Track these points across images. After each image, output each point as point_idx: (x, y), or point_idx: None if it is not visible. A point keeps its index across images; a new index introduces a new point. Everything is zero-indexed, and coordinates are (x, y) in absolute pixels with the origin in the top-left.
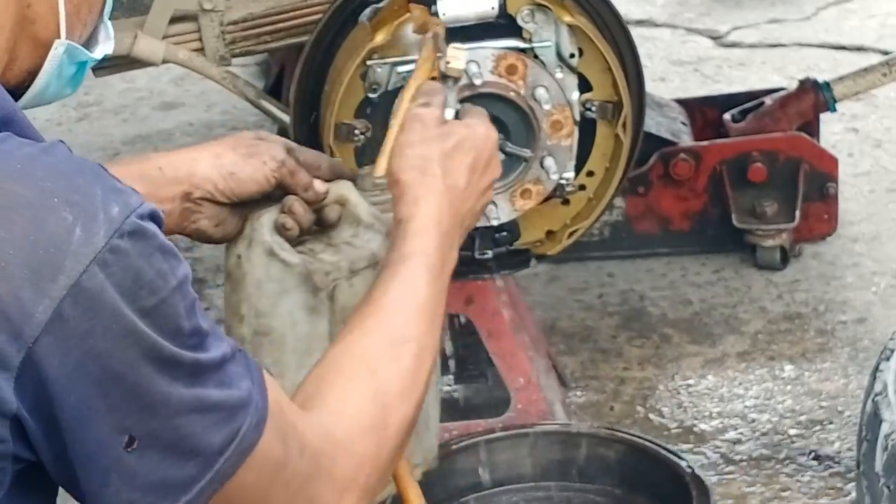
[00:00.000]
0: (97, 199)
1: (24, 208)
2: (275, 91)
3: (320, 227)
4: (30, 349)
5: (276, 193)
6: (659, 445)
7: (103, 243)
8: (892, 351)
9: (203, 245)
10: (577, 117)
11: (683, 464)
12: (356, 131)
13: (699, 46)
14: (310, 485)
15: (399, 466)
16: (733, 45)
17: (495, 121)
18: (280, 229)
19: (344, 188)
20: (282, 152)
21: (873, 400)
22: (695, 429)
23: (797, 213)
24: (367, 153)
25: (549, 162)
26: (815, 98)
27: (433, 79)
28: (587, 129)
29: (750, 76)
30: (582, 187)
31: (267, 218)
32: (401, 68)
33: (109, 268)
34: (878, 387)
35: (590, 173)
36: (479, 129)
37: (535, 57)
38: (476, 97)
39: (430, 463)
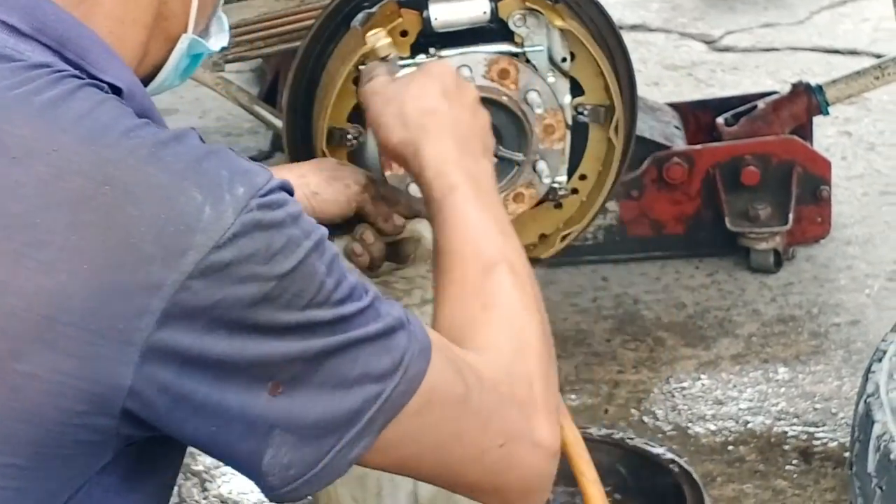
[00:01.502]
0: (223, 180)
1: (156, 189)
2: (270, 97)
3: (395, 261)
4: (157, 322)
5: (354, 221)
6: (653, 447)
7: (232, 220)
8: (885, 352)
9: None
10: (570, 121)
11: (677, 466)
12: (349, 136)
13: (693, 51)
14: (498, 414)
15: (578, 465)
16: (727, 49)
17: None
18: (349, 255)
19: (419, 225)
20: (364, 178)
21: (865, 401)
22: (689, 431)
23: (790, 217)
24: (359, 157)
25: (541, 166)
26: (807, 101)
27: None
28: (580, 132)
29: (743, 80)
30: (575, 191)
31: (337, 243)
32: None
33: (238, 242)
34: (870, 388)
35: (582, 177)
36: (431, 65)
37: (527, 61)
38: None
39: None
